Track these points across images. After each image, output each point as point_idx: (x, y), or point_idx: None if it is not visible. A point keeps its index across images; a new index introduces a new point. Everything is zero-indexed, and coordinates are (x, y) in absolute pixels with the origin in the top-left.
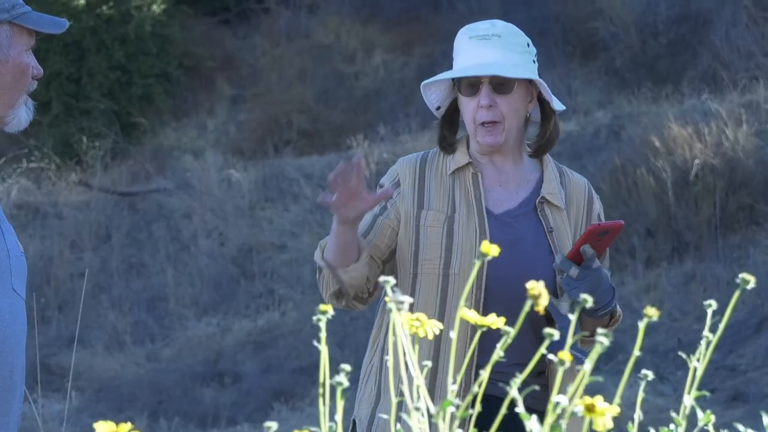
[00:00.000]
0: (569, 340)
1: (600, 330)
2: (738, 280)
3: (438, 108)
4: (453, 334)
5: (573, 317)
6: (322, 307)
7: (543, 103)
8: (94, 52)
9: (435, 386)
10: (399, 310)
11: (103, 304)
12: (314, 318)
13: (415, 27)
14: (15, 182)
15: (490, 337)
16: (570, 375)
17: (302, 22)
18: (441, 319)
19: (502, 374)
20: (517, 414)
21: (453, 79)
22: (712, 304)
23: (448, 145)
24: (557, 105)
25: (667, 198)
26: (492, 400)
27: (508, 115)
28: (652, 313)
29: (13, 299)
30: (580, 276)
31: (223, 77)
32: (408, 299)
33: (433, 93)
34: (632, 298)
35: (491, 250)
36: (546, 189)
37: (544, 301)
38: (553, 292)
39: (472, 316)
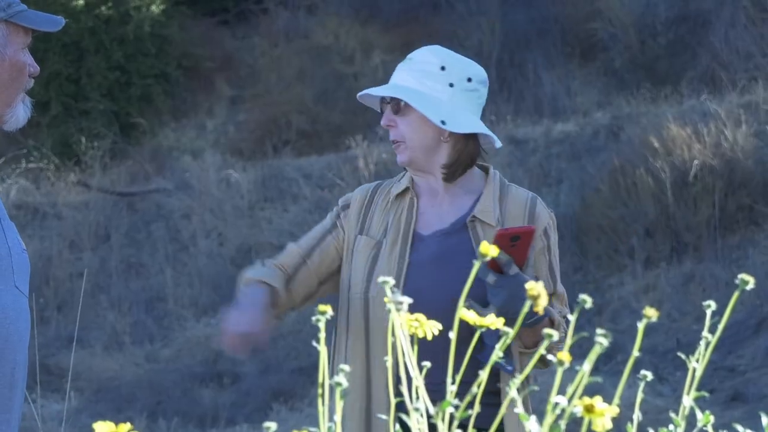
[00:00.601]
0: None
1: (599, 330)
2: (737, 281)
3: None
4: (452, 335)
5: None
6: (321, 307)
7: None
8: (93, 53)
9: (371, 403)
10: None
11: (102, 305)
12: (313, 318)
13: (414, 28)
14: (14, 182)
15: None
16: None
17: (301, 22)
18: (366, 342)
19: (433, 392)
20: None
21: None
22: (711, 305)
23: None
24: (461, 128)
25: (666, 198)
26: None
27: (408, 135)
28: (651, 313)
29: (16, 296)
30: (497, 283)
31: (222, 78)
32: (407, 299)
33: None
34: (631, 299)
35: (490, 251)
36: (479, 207)
37: (543, 301)
38: (483, 304)
39: (472, 317)
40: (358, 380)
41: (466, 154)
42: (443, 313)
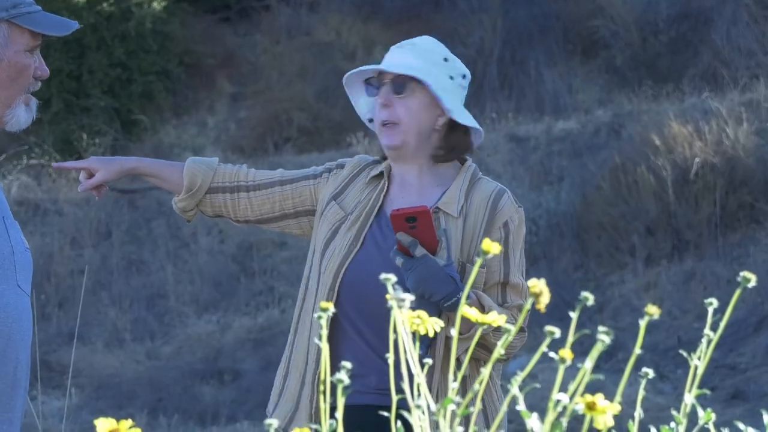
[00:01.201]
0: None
1: (600, 328)
2: (738, 279)
3: (370, 120)
4: (453, 332)
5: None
6: (322, 304)
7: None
8: (94, 50)
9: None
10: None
11: (103, 301)
12: (315, 316)
13: (416, 25)
14: (15, 179)
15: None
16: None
17: (303, 19)
18: (316, 304)
19: (362, 365)
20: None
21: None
22: (712, 303)
23: (382, 153)
24: (463, 119)
25: (668, 196)
26: (354, 410)
27: (405, 118)
28: (652, 311)
29: (19, 295)
30: (405, 266)
31: (223, 75)
32: (409, 297)
33: (363, 105)
34: (632, 297)
35: (492, 248)
36: (445, 198)
37: (545, 299)
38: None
39: (474, 315)
40: (306, 339)
41: (462, 145)
42: (372, 294)
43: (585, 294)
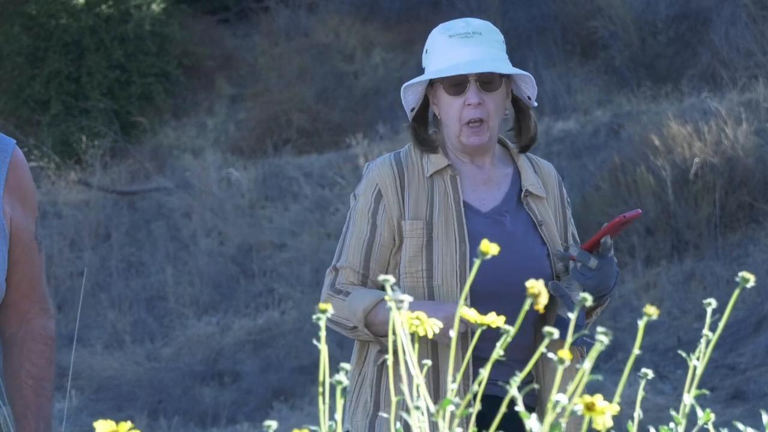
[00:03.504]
0: (569, 338)
1: (599, 328)
2: (738, 279)
3: (413, 109)
4: (453, 333)
5: (573, 316)
6: (321, 305)
7: (516, 100)
8: (93, 52)
9: (438, 386)
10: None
11: (102, 303)
12: (314, 317)
13: (414, 26)
14: None
15: (488, 338)
16: (569, 372)
17: (302, 21)
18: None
19: (499, 372)
20: (512, 413)
21: (430, 80)
22: (711, 303)
23: (429, 146)
24: (534, 101)
25: (667, 196)
26: (489, 399)
27: (493, 113)
28: (651, 311)
29: None
30: (598, 266)
31: (222, 76)
32: (408, 298)
33: (410, 94)
34: (632, 297)
35: (491, 249)
36: (526, 181)
37: (543, 300)
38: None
39: (472, 315)
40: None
41: (536, 127)
42: (508, 292)
43: (583, 295)
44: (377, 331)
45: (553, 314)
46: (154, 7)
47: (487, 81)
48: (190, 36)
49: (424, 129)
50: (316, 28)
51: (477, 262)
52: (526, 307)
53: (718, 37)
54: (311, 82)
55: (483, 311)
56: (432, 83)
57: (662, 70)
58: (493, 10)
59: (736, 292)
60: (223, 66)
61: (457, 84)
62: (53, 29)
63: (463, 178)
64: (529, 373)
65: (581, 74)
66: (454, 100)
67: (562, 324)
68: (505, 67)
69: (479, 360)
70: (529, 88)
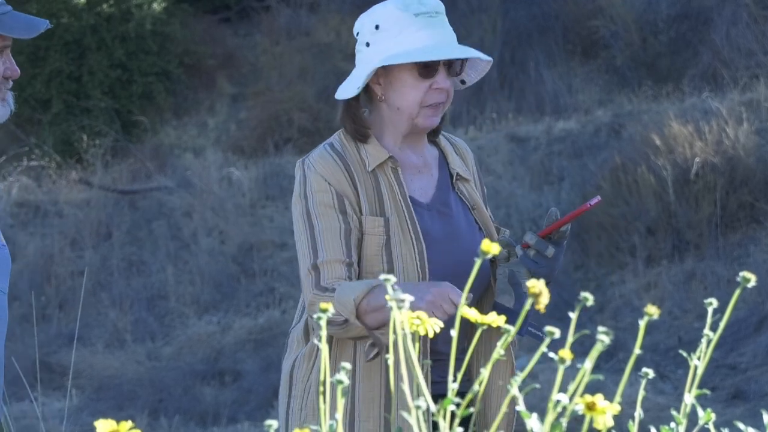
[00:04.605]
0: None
1: (600, 328)
2: (738, 279)
3: (358, 88)
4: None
5: (526, 305)
6: (322, 305)
7: None
8: (94, 50)
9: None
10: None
11: (103, 303)
12: (314, 316)
13: None
14: (15, 180)
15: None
16: (505, 365)
17: (303, 20)
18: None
19: (436, 370)
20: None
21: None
22: (712, 303)
23: (363, 134)
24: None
25: (668, 196)
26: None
27: (451, 96)
28: (652, 311)
29: None
30: (555, 255)
31: (223, 75)
32: (409, 298)
33: (361, 72)
34: (633, 297)
35: (492, 248)
36: (453, 163)
37: (545, 299)
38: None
39: (473, 315)
40: (383, 381)
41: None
42: (461, 284)
43: (585, 294)
44: (370, 322)
45: (489, 302)
46: (155, 6)
47: (451, 65)
48: (191, 35)
49: (359, 116)
50: (318, 27)
51: (478, 262)
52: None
53: (719, 37)
54: (312, 82)
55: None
56: (384, 67)
57: (663, 69)
58: (494, 9)
59: (737, 291)
60: (224, 65)
61: (428, 67)
62: (54, 28)
63: (402, 168)
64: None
65: (582, 74)
66: (421, 83)
67: (501, 312)
68: (481, 53)
69: (434, 354)
70: (472, 73)
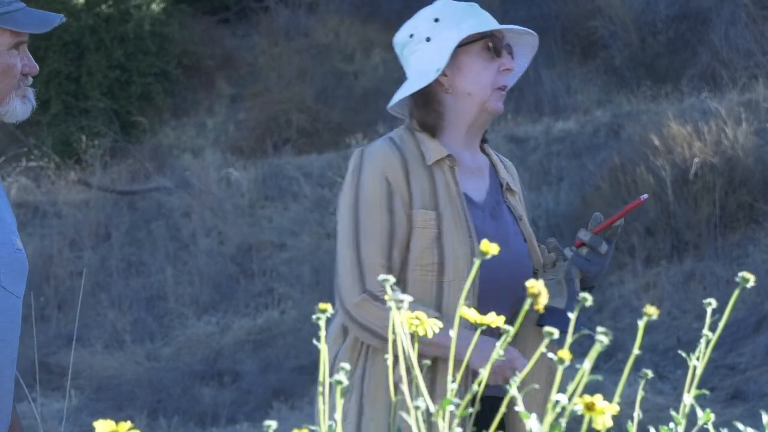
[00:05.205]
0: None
1: (599, 328)
2: (737, 279)
3: (438, 70)
4: (452, 333)
5: (573, 315)
6: (321, 305)
7: None
8: (93, 51)
9: (435, 387)
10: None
11: (102, 303)
12: (314, 317)
13: None
14: (14, 181)
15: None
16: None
17: (301, 21)
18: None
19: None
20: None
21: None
22: (711, 303)
23: (432, 129)
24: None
25: (667, 197)
26: (488, 400)
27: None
28: (651, 311)
29: (3, 296)
30: (607, 251)
31: (222, 76)
32: (408, 298)
33: (437, 56)
34: (632, 297)
35: (491, 249)
36: (502, 173)
37: (543, 299)
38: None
39: (472, 315)
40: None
41: None
42: (511, 290)
43: (583, 294)
44: (422, 350)
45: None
46: (154, 6)
47: (511, 48)
48: (190, 36)
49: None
50: (316, 28)
51: (476, 264)
52: (527, 306)
53: (718, 37)
54: (311, 82)
55: (485, 309)
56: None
57: (662, 70)
58: (494, 10)
59: (736, 292)
60: (223, 66)
61: (496, 48)
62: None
63: (459, 167)
64: None
65: (581, 74)
66: (491, 64)
67: (553, 316)
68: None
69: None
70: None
